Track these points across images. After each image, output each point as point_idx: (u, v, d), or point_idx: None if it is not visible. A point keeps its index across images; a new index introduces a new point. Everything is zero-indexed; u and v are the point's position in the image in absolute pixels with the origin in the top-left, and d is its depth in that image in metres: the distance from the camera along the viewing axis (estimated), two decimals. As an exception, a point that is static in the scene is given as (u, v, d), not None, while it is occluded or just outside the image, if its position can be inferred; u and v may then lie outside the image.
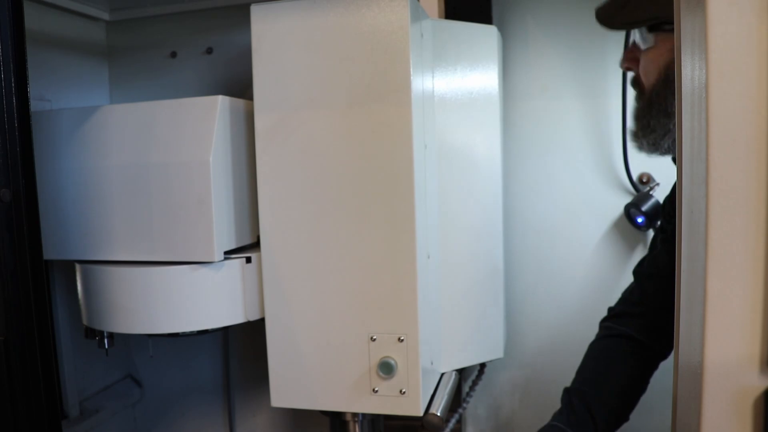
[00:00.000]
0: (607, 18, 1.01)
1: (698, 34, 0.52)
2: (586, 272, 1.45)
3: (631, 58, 1.02)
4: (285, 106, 1.01)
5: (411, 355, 0.99)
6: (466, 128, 1.18)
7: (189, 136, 1.02)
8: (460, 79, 1.16)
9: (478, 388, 1.37)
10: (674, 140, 0.96)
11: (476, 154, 1.19)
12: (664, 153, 1.02)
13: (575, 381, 1.15)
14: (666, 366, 1.12)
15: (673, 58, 0.93)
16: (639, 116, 1.01)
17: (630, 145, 1.08)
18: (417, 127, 0.99)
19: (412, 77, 0.95)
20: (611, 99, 1.39)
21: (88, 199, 1.08)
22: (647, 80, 0.99)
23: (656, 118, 0.97)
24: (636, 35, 0.99)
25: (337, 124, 0.99)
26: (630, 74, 1.06)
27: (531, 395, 1.49)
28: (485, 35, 1.19)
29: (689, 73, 0.55)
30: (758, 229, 0.50)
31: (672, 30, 0.91)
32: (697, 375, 0.53)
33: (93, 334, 1.21)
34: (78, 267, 1.12)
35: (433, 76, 1.12)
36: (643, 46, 0.98)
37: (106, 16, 1.47)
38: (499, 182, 1.23)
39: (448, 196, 1.15)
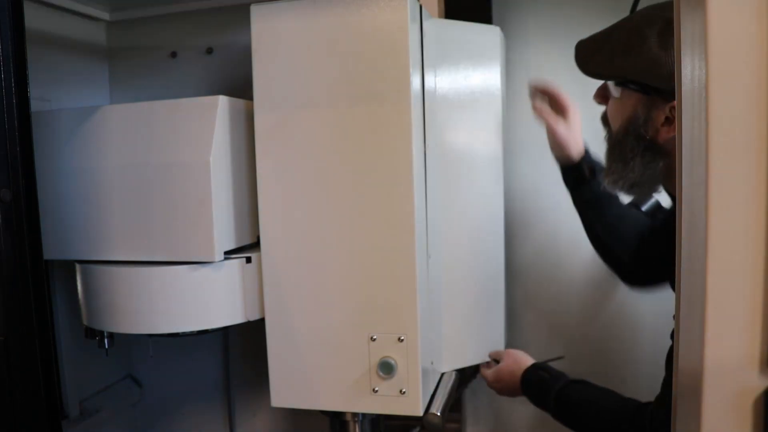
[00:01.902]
0: (582, 65, 1.03)
1: (698, 34, 0.52)
2: (587, 272, 1.44)
3: (601, 95, 1.04)
4: (285, 106, 1.01)
5: (411, 355, 0.99)
6: (469, 128, 1.18)
7: (189, 137, 1.02)
8: (463, 79, 1.16)
9: (478, 388, 1.37)
10: (632, 186, 0.99)
11: (478, 154, 1.19)
12: (626, 193, 1.05)
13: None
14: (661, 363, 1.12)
15: (634, 115, 0.95)
16: (607, 155, 1.03)
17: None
18: (417, 126, 0.99)
19: (411, 77, 0.95)
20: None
21: (88, 199, 1.08)
22: (613, 124, 1.02)
23: (615, 162, 0.99)
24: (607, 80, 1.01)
25: (337, 124, 0.99)
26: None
27: (531, 395, 1.49)
28: (488, 35, 1.19)
29: (689, 73, 0.55)
30: (758, 229, 0.50)
31: (636, 90, 0.94)
32: (697, 375, 0.53)
33: (93, 334, 1.21)
34: (78, 267, 1.12)
35: (435, 76, 1.12)
36: (614, 93, 1.01)
37: (106, 16, 1.47)
38: (500, 182, 1.23)
39: (450, 196, 1.15)
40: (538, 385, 1.15)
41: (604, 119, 1.06)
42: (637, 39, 0.93)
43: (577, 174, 1.21)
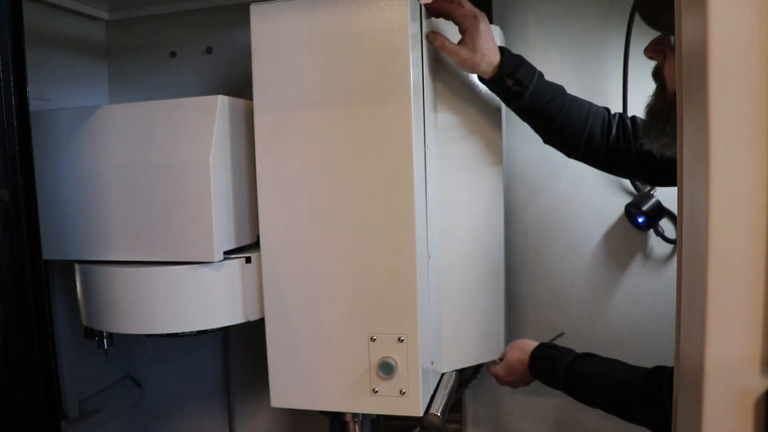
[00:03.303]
0: (650, 18, 0.94)
1: (698, 34, 0.52)
2: (587, 272, 1.44)
3: (657, 49, 0.96)
4: (285, 106, 1.01)
5: (411, 355, 0.99)
6: (468, 128, 1.17)
7: (188, 136, 1.02)
8: (463, 79, 1.16)
9: (478, 389, 1.37)
10: None
11: (478, 154, 1.19)
12: (667, 159, 1.00)
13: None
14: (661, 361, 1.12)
15: None
16: (655, 115, 0.96)
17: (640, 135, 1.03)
18: (417, 126, 0.98)
19: (411, 77, 0.95)
20: (611, 98, 1.39)
21: (88, 199, 1.08)
22: (671, 83, 0.94)
23: (672, 124, 0.93)
24: (671, 32, 0.92)
25: (337, 123, 0.98)
26: (651, 63, 0.98)
27: (531, 396, 1.49)
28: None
29: (689, 73, 0.55)
30: (759, 229, 0.50)
31: None
32: (697, 375, 0.53)
33: (92, 334, 1.20)
34: (77, 267, 1.12)
35: (434, 75, 1.11)
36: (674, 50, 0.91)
37: (105, 15, 1.47)
38: (500, 182, 1.23)
39: (450, 195, 1.15)
40: (547, 362, 1.14)
41: (657, 75, 0.98)
42: None
43: (501, 87, 1.11)
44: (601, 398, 1.06)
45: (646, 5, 0.94)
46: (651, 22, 0.94)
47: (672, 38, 0.93)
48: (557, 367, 1.11)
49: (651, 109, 0.99)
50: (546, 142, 1.19)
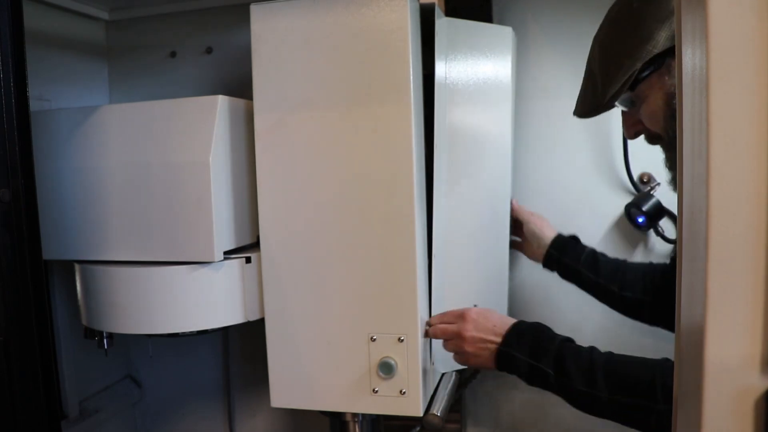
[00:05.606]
0: (590, 112, 1.00)
1: (698, 34, 0.52)
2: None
3: (631, 123, 0.99)
4: (285, 106, 1.01)
5: (411, 355, 0.99)
6: (477, 131, 1.18)
7: (188, 136, 1.02)
8: (475, 78, 1.16)
9: (478, 389, 1.37)
10: None
11: (487, 154, 1.19)
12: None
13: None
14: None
15: (667, 91, 0.89)
16: (672, 165, 0.97)
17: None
18: (417, 126, 0.99)
19: (411, 77, 0.95)
20: (611, 98, 1.39)
21: (88, 199, 1.08)
22: (660, 127, 0.94)
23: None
24: (623, 106, 0.97)
25: (336, 123, 0.99)
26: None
27: (531, 396, 1.49)
28: (500, 36, 1.19)
29: (689, 73, 0.55)
30: (759, 229, 0.50)
31: (649, 74, 0.89)
32: (697, 375, 0.53)
33: (92, 334, 1.20)
34: (77, 267, 1.12)
35: (446, 74, 1.11)
36: (636, 105, 0.95)
37: (105, 15, 1.47)
38: (508, 184, 1.23)
39: (457, 196, 1.15)
40: (536, 328, 0.97)
41: (651, 138, 0.98)
42: (619, 41, 0.93)
43: (552, 263, 1.28)
44: (615, 383, 0.87)
45: (582, 114, 1.03)
46: (595, 114, 1.00)
47: (629, 107, 0.97)
48: (551, 339, 0.94)
49: (668, 163, 0.98)
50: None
